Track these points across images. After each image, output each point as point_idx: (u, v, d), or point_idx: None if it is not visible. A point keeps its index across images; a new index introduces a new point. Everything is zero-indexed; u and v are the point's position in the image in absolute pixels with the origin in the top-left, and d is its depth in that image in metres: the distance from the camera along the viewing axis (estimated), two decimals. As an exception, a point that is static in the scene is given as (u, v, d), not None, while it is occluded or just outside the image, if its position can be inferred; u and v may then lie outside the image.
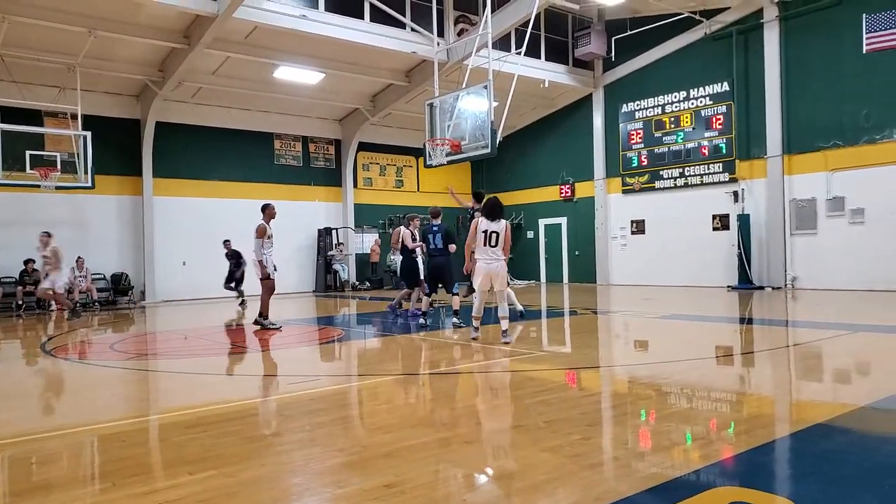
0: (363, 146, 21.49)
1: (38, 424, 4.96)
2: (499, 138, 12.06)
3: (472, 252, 8.07)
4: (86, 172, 14.45)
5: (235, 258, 15.31)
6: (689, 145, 17.97)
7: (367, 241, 21.37)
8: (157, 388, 6.48)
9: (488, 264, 7.68)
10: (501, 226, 7.67)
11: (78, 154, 14.58)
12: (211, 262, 16.43)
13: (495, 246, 7.63)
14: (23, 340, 10.81)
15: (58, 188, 14.42)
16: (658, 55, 18.65)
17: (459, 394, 5.71)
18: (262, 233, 9.81)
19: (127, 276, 17.06)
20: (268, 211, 10.05)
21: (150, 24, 14.45)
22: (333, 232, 20.40)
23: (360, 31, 15.78)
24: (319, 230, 20.35)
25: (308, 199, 20.39)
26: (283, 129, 20.09)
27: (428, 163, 13.33)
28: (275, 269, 10.02)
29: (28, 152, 14.05)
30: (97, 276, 16.38)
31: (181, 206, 17.80)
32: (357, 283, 20.90)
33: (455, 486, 3.35)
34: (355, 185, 21.50)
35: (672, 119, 18.34)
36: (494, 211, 7.78)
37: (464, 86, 13.08)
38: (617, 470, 3.49)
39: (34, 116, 15.20)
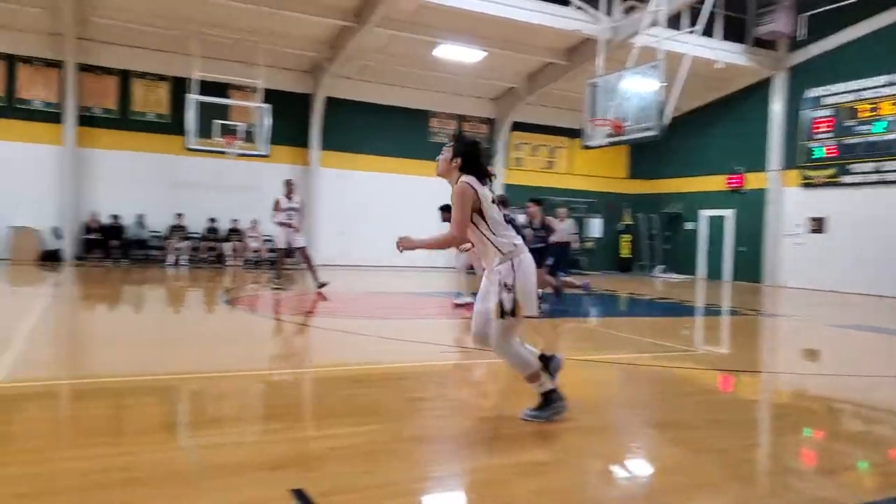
0: (516, 126, 21.59)
1: (216, 365, 5.66)
2: (666, 121, 11.64)
3: None
4: (263, 142, 15.90)
5: None
6: (890, 136, 16.12)
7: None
8: (325, 343, 7.13)
9: None
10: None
11: (257, 124, 16.06)
12: (365, 232, 17.51)
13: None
14: (212, 291, 12.24)
15: (239, 155, 15.99)
16: (856, 34, 16.83)
17: (610, 382, 5.72)
18: (276, 205, 11.55)
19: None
20: (287, 186, 11.73)
21: (325, 2, 15.47)
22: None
23: (524, 10, 15.79)
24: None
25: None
26: (438, 107, 20.68)
27: (586, 144, 13.17)
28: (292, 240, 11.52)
29: (215, 121, 15.71)
30: (267, 238, 18.04)
31: (342, 177, 19.01)
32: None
33: (595, 476, 3.40)
34: (506, 165, 21.69)
35: (870, 106, 16.52)
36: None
37: (630, 65, 12.72)
38: (774, 487, 3.30)
39: (222, 89, 16.89)
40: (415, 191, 18.06)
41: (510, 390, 4.89)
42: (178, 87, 16.73)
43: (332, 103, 18.68)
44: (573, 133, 19.41)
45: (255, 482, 2.92)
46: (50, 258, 15.88)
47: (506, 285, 3.74)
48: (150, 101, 17.38)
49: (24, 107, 16.15)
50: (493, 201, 3.87)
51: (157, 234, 17.29)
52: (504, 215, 3.96)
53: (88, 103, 16.66)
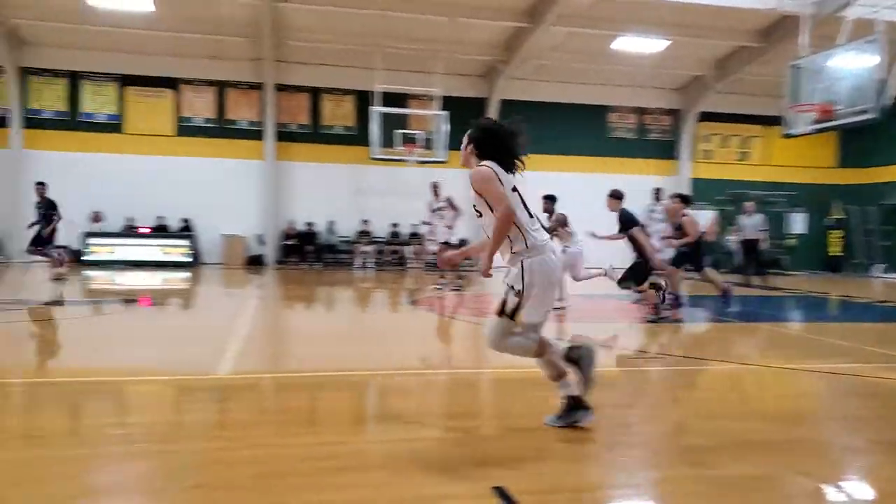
0: (704, 116, 20.20)
1: (404, 363, 5.84)
2: (886, 101, 10.21)
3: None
4: (441, 148, 16.42)
5: None
6: None
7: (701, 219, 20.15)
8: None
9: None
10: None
11: (435, 131, 16.62)
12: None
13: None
14: (396, 292, 12.87)
15: (419, 162, 16.66)
16: None
17: (822, 394, 5.06)
18: (429, 207, 12.21)
19: (468, 242, 19.01)
20: (433, 188, 12.48)
21: (499, 6, 15.61)
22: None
23: (711, -9, 14.75)
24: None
25: (640, 172, 20.01)
26: (618, 101, 19.98)
27: (787, 132, 11.95)
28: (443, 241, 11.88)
29: (396, 131, 16.53)
30: (445, 241, 18.63)
31: (518, 180, 19.01)
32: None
33: (806, 498, 3.00)
34: (692, 158, 20.39)
35: None
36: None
37: (841, 41, 11.33)
38: None
39: (401, 99, 17.70)
40: (596, 189, 17.53)
41: (710, 398, 4.50)
42: (362, 100, 17.83)
43: (507, 105, 18.79)
44: (770, 121, 17.72)
45: (457, 478, 2.97)
46: (255, 262, 17.69)
47: (512, 288, 3.50)
48: (338, 114, 18.70)
49: (231, 127, 18.17)
50: (515, 190, 3.55)
51: (346, 240, 18.55)
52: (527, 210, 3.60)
53: (285, 120, 18.32)
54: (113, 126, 17.43)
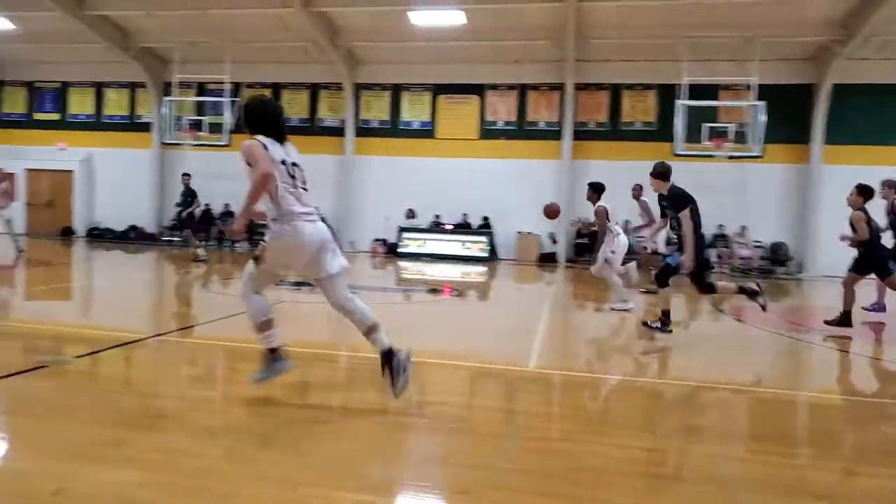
0: None
1: (720, 376, 5.33)
2: None
3: None
4: (756, 142, 14.93)
5: None
6: None
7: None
8: (830, 365, 6.14)
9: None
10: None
11: (749, 124, 15.16)
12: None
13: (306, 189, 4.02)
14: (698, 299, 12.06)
15: (729, 157, 15.37)
16: None
17: None
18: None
19: (785, 245, 17.02)
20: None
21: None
22: None
23: None
24: None
25: None
26: None
27: None
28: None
29: (704, 125, 15.46)
30: (757, 244, 16.94)
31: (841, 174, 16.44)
32: None
33: None
34: None
35: None
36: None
37: None
38: None
39: (710, 91, 16.49)
40: None
41: None
42: (665, 94, 17.06)
43: (841, 91, 16.33)
44: None
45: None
46: (547, 260, 18.07)
47: (265, 241, 3.85)
48: (638, 110, 18.16)
49: (530, 128, 18.81)
50: (284, 162, 3.83)
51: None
52: None
53: (582, 118, 18.39)
54: (425, 132, 19.32)
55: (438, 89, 19.19)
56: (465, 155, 18.86)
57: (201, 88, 19.72)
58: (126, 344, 5.40)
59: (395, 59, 18.83)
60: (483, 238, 18.27)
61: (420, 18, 16.24)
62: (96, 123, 21.09)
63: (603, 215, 9.03)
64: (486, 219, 18.76)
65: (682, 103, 15.24)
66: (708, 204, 16.99)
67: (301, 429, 3.51)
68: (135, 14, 17.21)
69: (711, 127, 15.52)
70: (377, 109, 19.59)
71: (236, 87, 18.78)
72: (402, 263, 16.41)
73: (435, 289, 11.15)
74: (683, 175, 16.98)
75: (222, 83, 18.22)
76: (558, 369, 5.36)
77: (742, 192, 16.72)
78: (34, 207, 20.87)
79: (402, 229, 18.54)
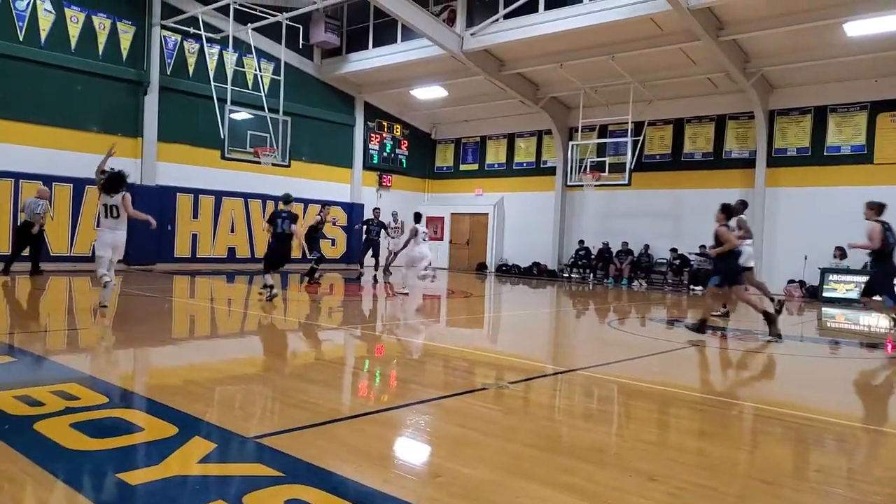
0: None
1: None
2: None
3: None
4: None
5: None
6: None
7: None
8: None
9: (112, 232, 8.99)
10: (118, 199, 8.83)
11: None
12: None
13: (117, 217, 8.83)
14: None
15: None
16: None
17: None
18: None
19: None
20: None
21: None
22: None
23: None
24: None
25: None
26: None
27: None
28: None
29: None
30: None
31: None
32: None
33: None
34: None
35: None
36: (113, 186, 8.82)
37: None
38: None
39: None
40: None
41: None
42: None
43: None
44: None
45: None
46: None
47: None
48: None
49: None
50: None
51: None
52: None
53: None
54: (859, 157, 16.84)
55: (876, 107, 16.60)
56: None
57: (601, 129, 20.71)
58: (552, 374, 5.81)
59: (820, 78, 16.97)
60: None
61: (857, 29, 14.36)
62: (507, 170, 23.81)
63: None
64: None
65: None
66: None
67: (751, 487, 3.26)
68: (545, 67, 18.99)
69: None
70: (794, 136, 17.88)
71: (638, 127, 19.24)
72: (827, 310, 14.43)
73: (873, 343, 9.55)
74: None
75: (624, 124, 18.82)
76: None
77: None
78: (455, 246, 24.46)
79: (825, 270, 16.34)
